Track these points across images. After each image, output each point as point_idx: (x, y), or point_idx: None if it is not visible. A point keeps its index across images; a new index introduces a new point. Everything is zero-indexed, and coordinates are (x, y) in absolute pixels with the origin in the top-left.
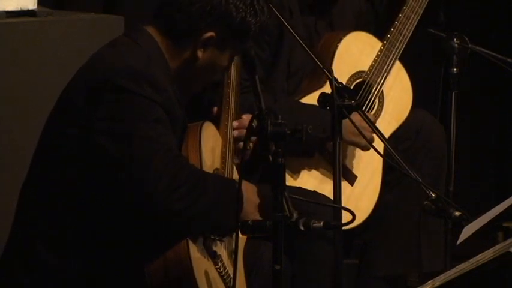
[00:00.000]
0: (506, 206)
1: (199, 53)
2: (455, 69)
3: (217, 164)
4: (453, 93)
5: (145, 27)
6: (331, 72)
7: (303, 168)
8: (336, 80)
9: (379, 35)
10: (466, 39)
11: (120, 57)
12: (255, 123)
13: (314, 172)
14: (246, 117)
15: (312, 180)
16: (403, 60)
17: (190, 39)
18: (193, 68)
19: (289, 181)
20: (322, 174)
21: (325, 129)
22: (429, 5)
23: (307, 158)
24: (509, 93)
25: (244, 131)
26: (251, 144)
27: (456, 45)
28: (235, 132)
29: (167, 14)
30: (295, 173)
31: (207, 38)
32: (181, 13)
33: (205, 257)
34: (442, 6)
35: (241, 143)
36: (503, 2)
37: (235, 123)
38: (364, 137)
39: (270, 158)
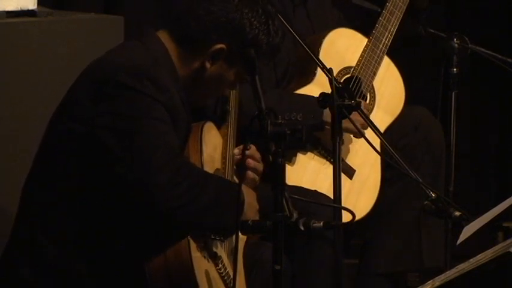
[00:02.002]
0: (506, 206)
1: (208, 64)
2: (455, 69)
3: (218, 165)
4: (453, 93)
5: (157, 33)
6: (331, 72)
7: (300, 159)
8: (336, 80)
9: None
10: (466, 39)
11: (125, 56)
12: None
13: (311, 162)
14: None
15: (310, 170)
16: (404, 60)
17: (200, 49)
18: (200, 79)
19: (287, 169)
20: (320, 163)
21: (315, 115)
22: (410, 18)
23: (301, 150)
24: (509, 93)
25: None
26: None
27: (456, 45)
28: (236, 152)
29: (182, 21)
30: (291, 161)
31: (217, 50)
32: (196, 22)
33: (205, 258)
34: (421, 20)
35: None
36: (503, 2)
37: (236, 151)
38: (358, 129)
39: (270, 158)
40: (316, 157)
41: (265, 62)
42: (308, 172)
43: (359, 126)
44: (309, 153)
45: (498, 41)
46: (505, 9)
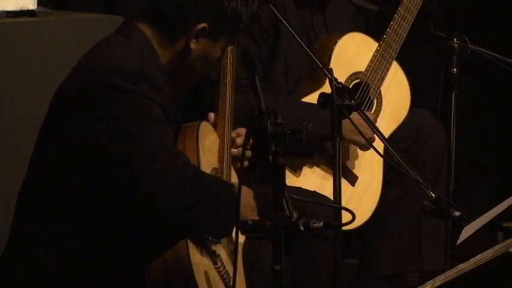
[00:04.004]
0: (506, 206)
1: (193, 45)
2: (455, 69)
3: (215, 164)
4: (453, 93)
5: (136, 24)
6: (331, 72)
7: (304, 168)
8: (336, 80)
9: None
10: (466, 39)
11: (114, 55)
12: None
13: (315, 171)
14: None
15: (314, 179)
16: (404, 60)
17: (182, 32)
18: (186, 61)
19: (291, 180)
20: (324, 173)
21: (325, 127)
22: (418, 18)
23: (308, 159)
24: (509, 93)
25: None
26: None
27: (456, 45)
28: (235, 151)
29: (159, 8)
30: (297, 172)
31: (200, 30)
32: (173, 5)
33: (204, 256)
34: (431, 19)
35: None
36: (503, 2)
37: (233, 134)
38: (363, 136)
39: (270, 158)
40: (321, 169)
41: (247, 31)
42: (311, 183)
43: (367, 137)
44: (314, 166)
45: (498, 41)
46: (505, 9)
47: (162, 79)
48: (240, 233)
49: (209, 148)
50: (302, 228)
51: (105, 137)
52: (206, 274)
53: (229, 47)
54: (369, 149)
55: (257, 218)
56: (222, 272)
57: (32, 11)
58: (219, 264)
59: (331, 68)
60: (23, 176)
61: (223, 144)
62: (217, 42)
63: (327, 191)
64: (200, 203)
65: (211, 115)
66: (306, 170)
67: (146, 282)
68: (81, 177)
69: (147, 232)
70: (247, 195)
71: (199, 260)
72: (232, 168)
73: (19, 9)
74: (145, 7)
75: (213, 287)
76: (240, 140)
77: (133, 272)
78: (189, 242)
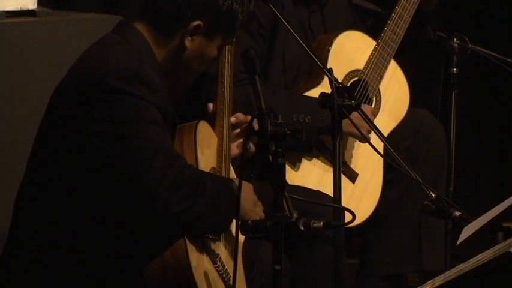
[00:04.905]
0: (506, 206)
1: (187, 43)
2: (455, 69)
3: (213, 163)
4: (453, 93)
5: (132, 23)
6: (331, 72)
7: (304, 161)
8: (336, 79)
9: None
10: (466, 39)
11: (112, 56)
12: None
13: (316, 164)
14: (243, 117)
15: (315, 171)
16: (404, 60)
17: (177, 29)
18: (182, 59)
19: (291, 174)
20: (324, 165)
21: (322, 119)
22: (417, 21)
23: (307, 153)
24: (509, 93)
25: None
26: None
27: (456, 45)
28: (237, 131)
29: (154, 6)
30: (296, 166)
31: (195, 27)
32: (168, 3)
33: (203, 256)
34: (429, 22)
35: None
36: (503, 2)
37: (233, 119)
38: (361, 133)
39: (270, 157)
40: (321, 162)
41: (245, 30)
42: (312, 176)
43: (364, 132)
44: (314, 159)
45: (498, 41)
46: (505, 9)
47: (158, 79)
48: (240, 233)
49: (207, 148)
50: (302, 228)
51: (103, 139)
52: (205, 273)
53: (226, 46)
54: (366, 142)
55: (259, 211)
56: (222, 271)
57: (32, 11)
58: (218, 263)
59: (331, 68)
60: (22, 176)
61: (222, 143)
62: (212, 40)
63: (328, 186)
64: (199, 204)
65: (210, 105)
66: (306, 164)
67: (145, 284)
68: (80, 178)
69: (146, 232)
70: (247, 190)
71: (198, 260)
72: (231, 168)
73: (19, 9)
74: (141, 6)
75: (213, 286)
76: (242, 117)
77: (132, 271)
78: (187, 241)
